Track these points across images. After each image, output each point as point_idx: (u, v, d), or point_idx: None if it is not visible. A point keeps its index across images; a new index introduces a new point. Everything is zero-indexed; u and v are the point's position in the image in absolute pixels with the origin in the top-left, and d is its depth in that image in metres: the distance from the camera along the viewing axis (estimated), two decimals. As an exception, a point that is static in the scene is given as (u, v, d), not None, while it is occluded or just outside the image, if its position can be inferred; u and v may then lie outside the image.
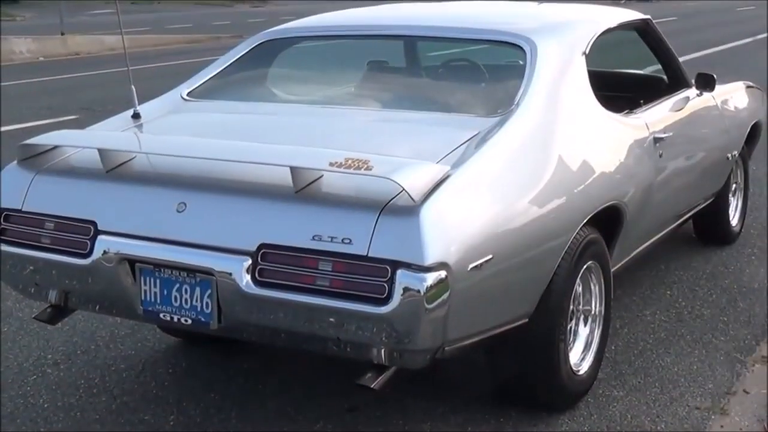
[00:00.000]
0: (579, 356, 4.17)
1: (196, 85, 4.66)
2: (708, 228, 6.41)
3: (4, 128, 11.70)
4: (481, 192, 3.45)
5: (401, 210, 3.17)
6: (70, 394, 4.38)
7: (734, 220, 6.54)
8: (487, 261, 3.30)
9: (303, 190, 3.34)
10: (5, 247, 3.79)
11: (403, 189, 3.14)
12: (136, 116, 4.32)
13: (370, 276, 3.14)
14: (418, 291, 3.08)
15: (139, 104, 4.39)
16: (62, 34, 25.85)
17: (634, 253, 4.82)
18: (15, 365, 4.69)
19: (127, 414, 4.18)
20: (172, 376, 4.56)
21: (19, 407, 4.25)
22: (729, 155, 5.93)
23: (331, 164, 3.26)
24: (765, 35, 24.38)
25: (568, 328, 3.99)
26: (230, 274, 3.34)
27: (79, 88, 16.63)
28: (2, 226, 3.80)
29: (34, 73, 18.73)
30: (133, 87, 4.29)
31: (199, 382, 4.46)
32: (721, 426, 4.04)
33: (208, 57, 20.16)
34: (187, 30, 31.11)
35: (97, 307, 3.93)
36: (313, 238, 3.24)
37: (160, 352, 4.82)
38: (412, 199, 3.15)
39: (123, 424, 4.08)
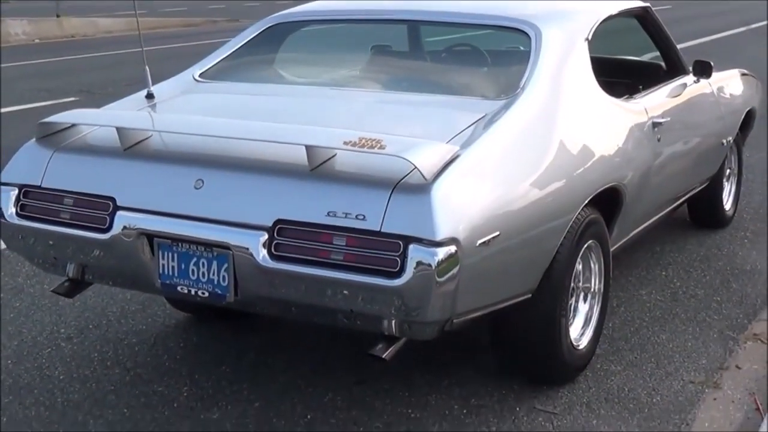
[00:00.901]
0: (579, 332, 4.31)
1: (208, 67, 4.78)
2: (702, 212, 6.55)
3: (3, 110, 11.79)
4: (488, 171, 3.58)
5: (413, 187, 3.30)
6: (84, 366, 4.51)
7: (728, 204, 6.68)
8: (494, 237, 3.44)
9: (318, 168, 3.46)
10: (24, 222, 3.90)
11: (415, 167, 3.26)
12: (149, 96, 4.43)
13: (383, 250, 3.27)
14: (430, 265, 3.20)
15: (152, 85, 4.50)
16: (58, 16, 25.88)
17: (632, 234, 4.96)
18: (29, 339, 4.82)
19: (141, 385, 4.31)
20: (183, 350, 4.69)
21: (35, 379, 4.39)
22: (724, 141, 6.07)
23: (345, 143, 3.38)
24: (759, 24, 24.52)
25: (569, 304, 4.13)
26: (247, 248, 3.46)
27: (77, 70, 16.70)
28: (22, 202, 3.91)
29: (30, 55, 18.79)
30: (147, 68, 4.40)
31: (211, 357, 4.60)
32: (714, 399, 4.18)
33: (206, 41, 20.35)
34: (182, 14, 31.17)
35: (115, 280, 4.07)
36: (328, 214, 3.36)
37: (170, 327, 4.95)
38: (424, 177, 3.27)
39: (138, 396, 4.22)
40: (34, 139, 4.03)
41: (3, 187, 3.95)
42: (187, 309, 4.99)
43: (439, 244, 3.22)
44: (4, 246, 4.41)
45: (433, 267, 3.20)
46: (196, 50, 16.74)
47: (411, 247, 3.22)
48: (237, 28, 23.44)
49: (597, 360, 4.49)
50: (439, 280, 3.23)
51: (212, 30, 25.93)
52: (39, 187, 3.89)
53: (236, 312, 4.69)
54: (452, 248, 3.24)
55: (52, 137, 3.99)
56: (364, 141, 3.36)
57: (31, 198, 3.90)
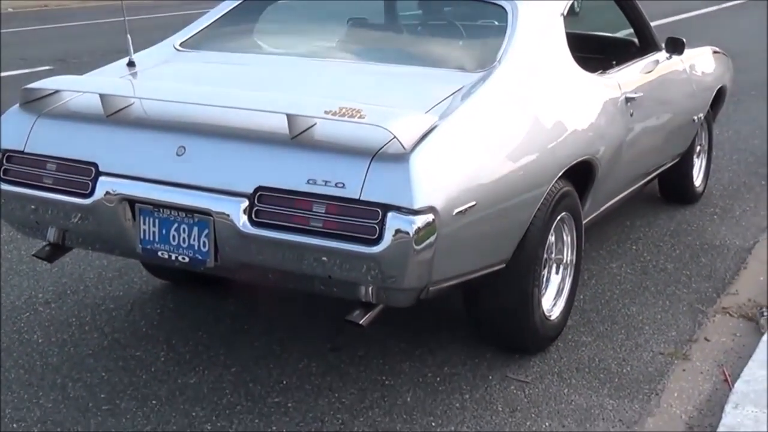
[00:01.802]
0: (551, 302, 4.40)
1: (188, 36, 4.81)
2: (672, 187, 6.65)
3: (-22, 77, 11.76)
4: (465, 142, 3.64)
5: (392, 156, 3.36)
6: (62, 330, 4.56)
7: (698, 180, 6.79)
8: (470, 207, 3.50)
9: (298, 137, 3.52)
10: (7, 187, 3.93)
11: (395, 137, 3.32)
12: (131, 64, 4.45)
13: (361, 218, 3.33)
14: (408, 233, 3.27)
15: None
16: (31, -16, 25.67)
17: (604, 207, 5.04)
18: (8, 303, 4.86)
19: (119, 350, 4.37)
20: (160, 315, 4.75)
21: (14, 342, 4.43)
22: (695, 117, 6.17)
23: (325, 112, 3.43)
24: (731, 3, 24.68)
25: (542, 275, 4.22)
26: (228, 214, 3.51)
27: (51, 39, 16.64)
28: (4, 167, 3.94)
29: (4, 24, 18.65)
30: (129, 36, 4.41)
31: (187, 322, 4.65)
32: (683, 370, 4.28)
33: (184, 11, 20.24)
34: (156, -16, 30.93)
35: (95, 245, 4.11)
36: (308, 182, 3.41)
37: (147, 294, 5.01)
38: (403, 146, 3.33)
39: (116, 359, 4.27)
40: (17, 105, 4.05)
41: None
42: (164, 276, 5.05)
43: (417, 213, 3.28)
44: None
45: (411, 235, 3.27)
46: (172, 21, 16.71)
47: (389, 215, 3.28)
48: (213, 0, 23.39)
49: (568, 331, 4.58)
50: (416, 247, 3.29)
51: (185, 2, 25.79)
52: (22, 152, 3.92)
53: (212, 279, 4.75)
54: (430, 217, 3.31)
55: (35, 103, 4.02)
56: (344, 110, 3.41)
57: (14, 163, 3.93)
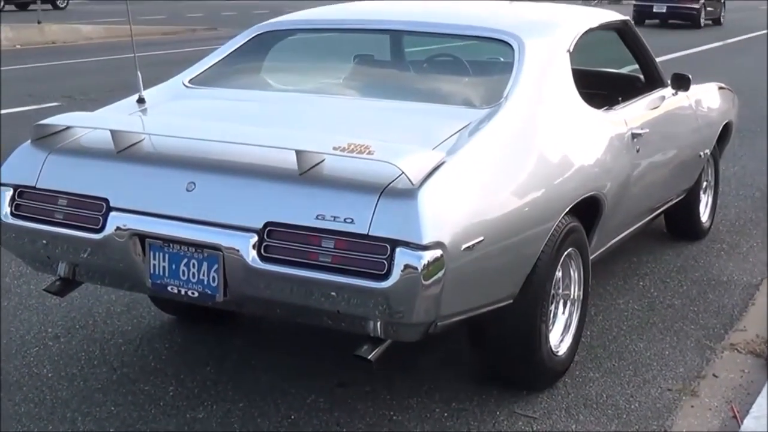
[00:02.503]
0: (558, 338, 4.41)
1: (197, 73, 4.85)
2: (679, 223, 6.67)
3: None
4: (473, 178, 3.67)
5: (400, 192, 3.39)
6: (71, 365, 4.57)
7: (704, 216, 6.81)
8: (478, 242, 3.53)
9: (307, 173, 3.55)
10: (19, 222, 3.97)
11: (403, 172, 3.35)
12: (141, 101, 4.50)
13: (370, 253, 3.35)
14: (416, 268, 3.29)
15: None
16: (39, 22, 25.84)
17: (611, 243, 5.07)
18: (17, 337, 4.88)
19: (128, 384, 4.38)
20: (168, 350, 4.76)
21: (24, 376, 4.45)
22: (701, 153, 6.20)
23: (334, 148, 3.47)
24: (734, 40, 24.79)
25: (549, 311, 4.23)
26: (237, 250, 3.54)
27: (59, 76, 16.71)
28: (16, 202, 3.98)
29: (12, 61, 18.74)
30: (139, 73, 4.47)
31: (195, 357, 4.66)
32: (692, 406, 4.28)
33: (187, 48, 20.39)
34: (161, 21, 31.14)
35: (105, 280, 4.15)
36: (317, 218, 3.44)
37: (156, 329, 5.02)
38: (411, 182, 3.36)
39: (125, 394, 4.28)
40: (29, 141, 4.09)
41: None
42: (171, 311, 5.06)
43: (426, 248, 3.30)
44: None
45: (420, 270, 3.29)
46: (178, 57, 16.83)
47: (398, 250, 3.31)
48: (215, 37, 23.56)
49: (576, 367, 4.58)
50: (424, 283, 3.31)
51: (192, 38, 25.97)
52: (34, 187, 3.96)
53: (219, 314, 4.77)
54: (438, 252, 3.33)
55: (47, 139, 4.06)
56: (352, 146, 3.45)
57: (25, 198, 3.97)
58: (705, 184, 6.73)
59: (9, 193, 3.99)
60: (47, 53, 21.25)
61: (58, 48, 22.97)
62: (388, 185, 3.41)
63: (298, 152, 3.53)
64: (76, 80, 15.83)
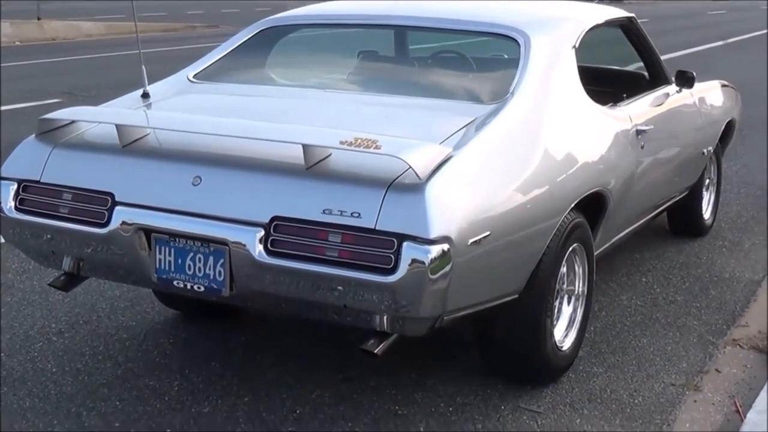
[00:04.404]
0: (563, 333, 4.41)
1: (202, 68, 4.86)
2: (682, 220, 6.67)
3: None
4: (480, 173, 3.67)
5: (407, 187, 3.39)
6: (76, 360, 4.58)
7: (707, 213, 6.81)
8: (485, 237, 3.53)
9: (314, 167, 3.55)
10: (23, 216, 3.97)
11: (410, 167, 3.36)
12: (145, 95, 4.50)
13: (377, 248, 3.35)
14: (423, 262, 3.29)
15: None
16: (39, 19, 25.84)
17: (615, 239, 5.07)
18: (21, 333, 4.88)
19: (132, 379, 4.38)
20: (173, 345, 4.76)
21: (28, 371, 4.45)
22: (704, 150, 6.20)
23: (341, 142, 3.47)
24: (735, 39, 24.80)
25: (554, 306, 4.24)
26: (244, 244, 3.54)
27: (59, 72, 16.72)
28: (21, 196, 3.98)
29: (12, 58, 18.74)
30: (143, 67, 4.47)
31: (200, 353, 4.67)
32: (695, 401, 4.29)
33: (187, 45, 20.38)
34: (162, 18, 31.14)
35: (111, 274, 4.15)
36: (324, 212, 3.44)
37: (160, 324, 5.02)
38: (418, 176, 3.36)
39: (129, 389, 4.28)
40: (33, 135, 4.09)
41: (2, 181, 4.03)
42: (176, 306, 5.06)
43: (433, 242, 3.31)
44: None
45: (427, 264, 3.29)
46: (179, 54, 16.83)
47: (405, 244, 3.31)
48: (216, 34, 23.55)
49: (579, 362, 4.59)
50: (431, 277, 3.32)
51: (192, 35, 25.97)
52: (38, 182, 3.95)
53: (224, 309, 4.77)
54: (445, 246, 3.33)
55: (51, 133, 4.06)
56: (359, 141, 3.45)
57: (30, 193, 3.97)
58: (707, 181, 6.74)
59: (13, 187, 3.99)
60: (47, 50, 21.25)
61: (58, 44, 22.97)
62: (395, 179, 3.41)
63: (305, 146, 3.52)
64: (76, 77, 15.83)
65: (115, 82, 13.52)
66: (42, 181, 3.96)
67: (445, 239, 3.34)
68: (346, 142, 3.46)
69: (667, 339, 4.97)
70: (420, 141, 3.59)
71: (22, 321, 5.04)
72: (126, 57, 17.44)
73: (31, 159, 4.03)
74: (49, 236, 3.98)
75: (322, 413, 4.09)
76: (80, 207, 3.86)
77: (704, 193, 6.71)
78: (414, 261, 3.29)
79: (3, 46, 21.61)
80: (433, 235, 3.31)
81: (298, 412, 4.09)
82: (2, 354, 4.62)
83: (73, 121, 4.11)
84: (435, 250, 3.31)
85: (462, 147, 3.67)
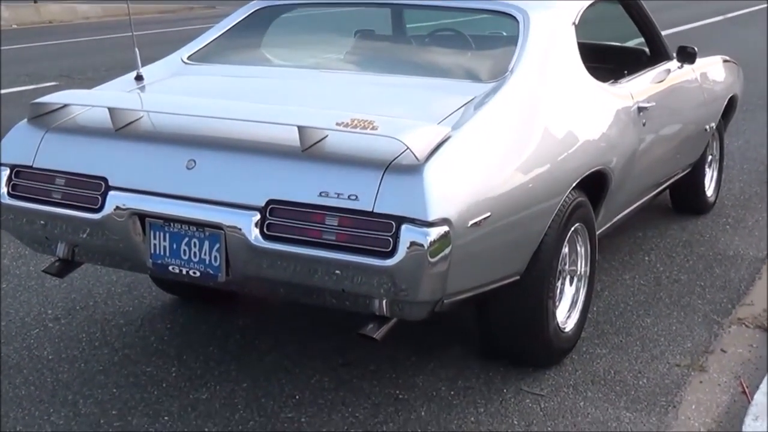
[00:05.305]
0: (565, 314, 4.35)
1: (196, 50, 4.78)
2: (684, 198, 6.61)
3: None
4: (479, 153, 3.60)
5: (405, 168, 3.32)
6: (72, 346, 4.52)
7: (710, 190, 6.75)
8: (485, 218, 3.46)
9: (310, 149, 3.48)
10: (16, 202, 3.90)
11: (408, 148, 3.29)
12: (139, 78, 4.43)
13: (375, 231, 3.29)
14: (422, 245, 3.22)
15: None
16: (35, 2, 25.77)
17: (617, 218, 5.01)
18: (17, 319, 4.83)
19: (129, 366, 4.32)
20: (170, 331, 4.70)
21: (24, 358, 4.40)
22: (707, 127, 6.13)
23: (337, 124, 3.39)
24: (734, 14, 24.66)
25: (556, 287, 4.17)
26: (239, 228, 3.47)
27: (56, 55, 16.65)
28: (13, 182, 3.91)
29: (8, 41, 18.68)
30: (137, 50, 4.39)
31: (198, 338, 4.61)
32: (700, 382, 4.23)
33: (184, 27, 20.28)
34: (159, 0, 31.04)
35: (105, 260, 4.08)
36: (320, 195, 3.38)
37: (157, 309, 4.97)
38: (416, 157, 3.29)
39: (127, 375, 4.23)
40: (25, 120, 4.02)
41: None
42: (172, 290, 5.01)
43: (432, 225, 3.24)
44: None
45: (426, 247, 3.23)
46: (174, 36, 16.72)
47: (403, 227, 3.25)
48: (214, 15, 23.45)
49: (583, 343, 4.53)
50: (431, 260, 3.25)
51: (189, 17, 25.89)
52: (30, 167, 3.89)
53: (221, 294, 4.71)
54: (444, 228, 3.27)
55: (43, 117, 3.99)
56: (356, 122, 3.38)
57: (22, 178, 3.90)
58: (710, 158, 6.67)
59: (6, 173, 3.92)
60: (44, 33, 21.19)
61: (55, 27, 22.91)
62: (393, 161, 3.35)
63: (301, 128, 3.46)
64: (73, 60, 15.76)
65: (112, 64, 13.45)
66: (34, 166, 3.89)
67: (445, 221, 3.27)
68: (343, 123, 3.39)
69: (672, 319, 4.91)
70: (418, 121, 3.52)
71: (18, 307, 4.98)
72: (123, 39, 17.32)
73: (23, 144, 3.96)
74: (42, 222, 3.92)
75: (321, 398, 4.03)
76: (73, 192, 3.79)
77: (707, 169, 6.64)
78: (413, 244, 3.23)
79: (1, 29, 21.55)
80: (432, 218, 3.24)
81: (297, 397, 4.04)
82: (-2, 342, 4.58)
83: (65, 105, 4.04)
84: (434, 233, 3.24)
85: (461, 126, 3.60)
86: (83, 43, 18.75)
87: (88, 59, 15.62)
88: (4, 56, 15.90)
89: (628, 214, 5.25)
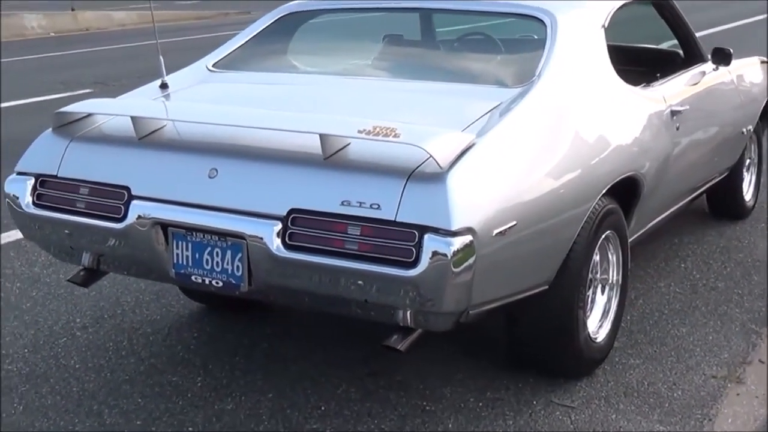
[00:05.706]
0: (597, 324, 4.26)
1: (221, 57, 4.76)
2: (721, 202, 6.49)
3: (20, 102, 11.83)
4: (504, 160, 3.53)
5: (428, 176, 3.26)
6: (99, 355, 4.50)
7: (748, 195, 6.62)
8: (510, 227, 3.39)
9: (332, 157, 3.43)
10: (41, 212, 3.89)
11: (431, 156, 3.22)
12: (164, 86, 4.41)
13: (398, 240, 3.23)
14: (446, 255, 3.16)
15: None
16: (72, 9, 25.96)
17: (651, 224, 4.91)
18: (45, 328, 4.82)
19: (155, 375, 4.29)
20: (197, 340, 4.67)
21: (51, 367, 4.38)
22: (744, 130, 6.02)
23: (359, 132, 3.34)
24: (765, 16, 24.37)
25: (587, 296, 4.09)
26: (261, 237, 3.43)
27: (91, 62, 16.75)
28: (38, 191, 3.90)
29: (46, 49, 18.87)
30: (161, 57, 4.36)
31: (224, 347, 4.57)
32: (737, 394, 4.12)
33: (218, 33, 20.35)
34: (195, 6, 31.23)
35: (129, 269, 4.05)
36: (342, 204, 3.32)
37: (184, 317, 4.94)
38: (439, 165, 3.23)
39: (152, 385, 4.20)
40: (50, 129, 4.02)
41: (20, 176, 3.96)
42: (200, 299, 4.98)
43: (455, 234, 3.18)
44: (21, 236, 4.41)
45: (449, 257, 3.16)
46: (209, 42, 16.73)
47: (426, 236, 3.18)
48: (249, 20, 23.49)
49: (615, 353, 4.43)
50: (454, 270, 3.18)
51: (224, 23, 25.97)
52: (55, 176, 3.87)
53: (249, 302, 4.67)
54: (468, 238, 3.20)
55: (68, 127, 3.98)
56: (378, 129, 3.32)
57: (47, 187, 3.89)
58: (748, 161, 6.55)
59: (31, 182, 3.92)
60: (81, 40, 21.34)
61: (92, 35, 23.08)
62: (416, 169, 3.29)
63: (322, 136, 3.41)
64: (108, 67, 15.85)
65: (146, 71, 13.42)
66: (59, 175, 3.88)
67: (468, 230, 3.20)
68: (365, 130, 3.33)
69: (708, 328, 4.80)
70: (441, 128, 3.46)
71: (47, 316, 4.98)
72: (162, 45, 17.35)
73: (47, 153, 3.95)
74: (66, 231, 3.90)
75: (347, 409, 3.97)
76: (97, 201, 3.78)
77: (745, 173, 6.51)
78: (436, 254, 3.16)
79: (38, 37, 21.75)
80: (455, 227, 3.18)
81: (322, 408, 3.99)
82: (26, 350, 4.56)
83: (89, 114, 4.02)
84: (457, 242, 3.17)
85: (485, 133, 3.53)
86: (118, 50, 18.85)
87: (123, 66, 15.69)
88: (41, 64, 16.03)
89: (663, 220, 5.15)
